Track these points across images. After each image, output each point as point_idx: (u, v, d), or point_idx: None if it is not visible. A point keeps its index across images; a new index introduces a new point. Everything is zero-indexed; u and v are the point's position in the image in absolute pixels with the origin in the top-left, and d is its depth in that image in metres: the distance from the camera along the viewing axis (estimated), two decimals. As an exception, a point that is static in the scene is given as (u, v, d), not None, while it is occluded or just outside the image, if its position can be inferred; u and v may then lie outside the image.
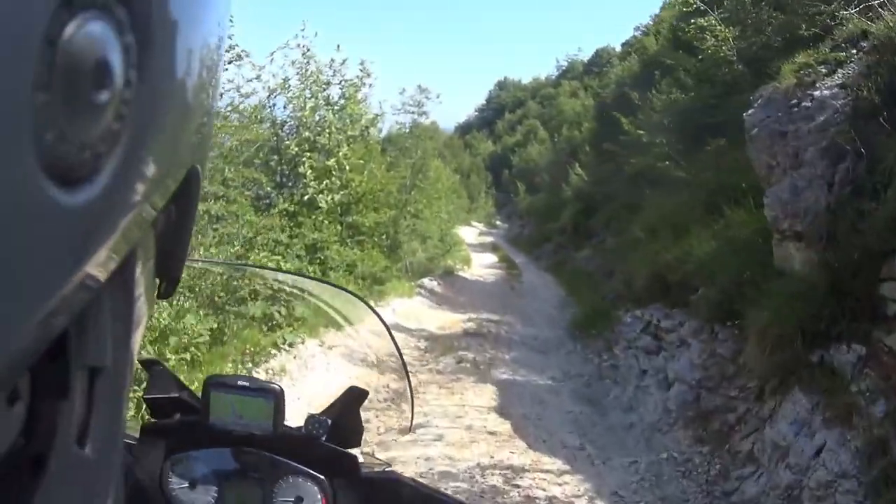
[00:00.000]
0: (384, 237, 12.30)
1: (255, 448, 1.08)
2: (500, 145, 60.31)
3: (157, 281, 0.36)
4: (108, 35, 0.22)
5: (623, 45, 49.83)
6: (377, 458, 1.27)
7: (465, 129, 67.92)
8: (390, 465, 1.19)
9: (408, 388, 1.42)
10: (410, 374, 1.42)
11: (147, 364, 1.17)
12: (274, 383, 1.10)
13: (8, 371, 0.21)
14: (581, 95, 51.26)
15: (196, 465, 1.08)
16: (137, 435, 1.09)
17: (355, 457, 1.11)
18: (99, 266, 0.24)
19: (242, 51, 9.01)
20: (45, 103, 0.20)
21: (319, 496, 1.06)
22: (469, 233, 34.70)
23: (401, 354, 1.34)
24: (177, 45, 0.26)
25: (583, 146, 28.61)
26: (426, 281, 13.11)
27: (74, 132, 0.21)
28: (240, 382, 1.06)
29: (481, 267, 19.24)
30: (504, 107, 70.58)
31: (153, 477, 1.07)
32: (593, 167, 21.59)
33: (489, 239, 32.97)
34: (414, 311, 10.18)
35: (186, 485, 1.07)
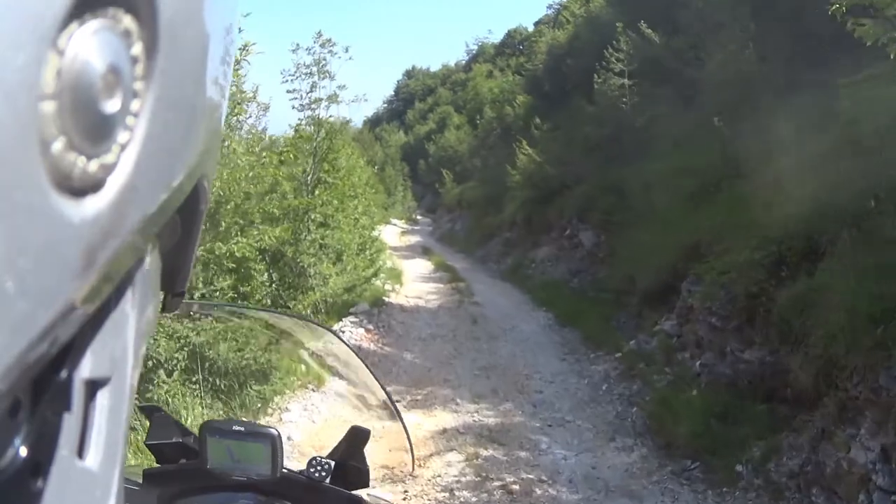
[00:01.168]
0: (280, 263, 7.43)
1: (256, 493, 1.08)
2: (413, 135, 58.85)
3: (162, 294, 0.36)
4: (117, 45, 0.22)
5: (536, 23, 47.05)
6: (384, 499, 1.31)
7: (374, 123, 64.94)
8: None
9: (402, 428, 1.35)
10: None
11: (147, 410, 1.20)
12: (270, 427, 1.09)
13: (11, 381, 0.22)
14: (497, 76, 48.06)
15: None
16: (140, 480, 1.10)
17: (361, 498, 1.10)
18: (103, 278, 0.24)
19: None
20: (52, 113, 0.20)
21: None
22: (391, 233, 29.94)
23: (389, 396, 1.34)
24: (185, 54, 0.26)
25: (519, 124, 24.73)
26: (348, 327, 8.27)
27: (82, 142, 0.21)
28: (235, 427, 1.06)
29: (417, 281, 14.63)
30: (414, 96, 69.78)
31: None
32: (545, 144, 17.32)
33: (415, 239, 28.29)
34: (327, 435, 5.13)
35: None
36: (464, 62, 66.81)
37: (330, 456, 1.13)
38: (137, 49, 0.23)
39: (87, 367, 0.27)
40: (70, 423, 0.26)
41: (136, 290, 0.30)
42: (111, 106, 0.22)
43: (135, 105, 0.23)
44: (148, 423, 1.17)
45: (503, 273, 15.77)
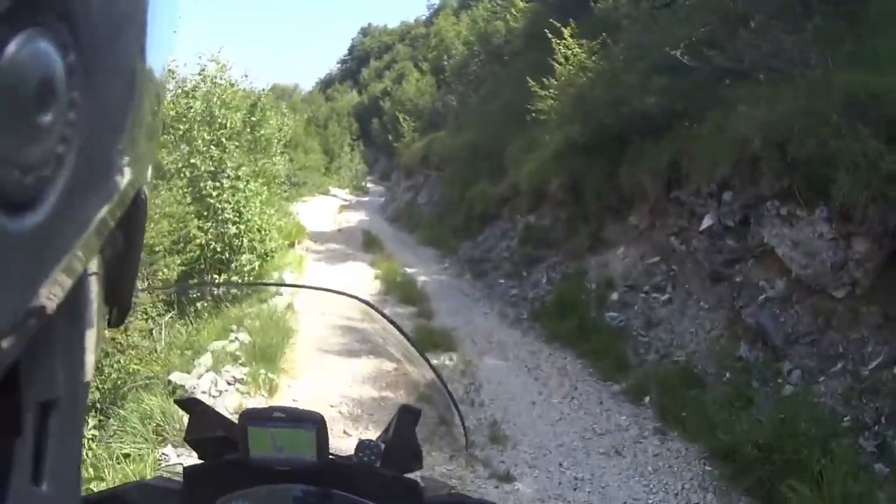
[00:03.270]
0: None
1: (304, 483, 1.04)
2: (367, 94, 52.47)
3: (107, 309, 0.35)
4: (51, 55, 0.21)
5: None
6: (440, 480, 1.22)
7: (327, 84, 64.74)
8: (455, 488, 1.14)
9: (452, 407, 1.23)
10: None
11: (187, 403, 1.13)
12: (314, 412, 1.03)
13: None
14: (465, 22, 39.36)
15: None
16: (181, 479, 1.06)
17: (416, 481, 1.04)
18: (47, 295, 0.23)
19: None
20: None
21: None
22: (325, 208, 20.62)
23: (439, 375, 1.23)
24: (121, 64, 0.26)
25: (516, 43, 15.76)
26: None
27: (17, 155, 0.21)
28: (276, 414, 1.01)
29: (328, 331, 5.73)
30: (369, 54, 65.35)
31: None
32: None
33: (358, 217, 19.08)
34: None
35: None
36: (424, 17, 60.60)
37: (380, 438, 1.08)
38: (73, 59, 0.22)
39: (35, 389, 0.26)
40: (23, 448, 0.25)
41: (82, 306, 0.29)
42: (46, 117, 0.21)
43: (71, 116, 0.22)
44: (187, 418, 1.11)
45: (540, 319, 6.78)
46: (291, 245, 10.90)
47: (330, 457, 1.02)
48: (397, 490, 1.02)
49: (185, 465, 1.09)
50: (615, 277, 7.22)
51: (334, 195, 26.66)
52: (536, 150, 9.78)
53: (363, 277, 9.05)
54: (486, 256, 9.55)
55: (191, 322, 6.79)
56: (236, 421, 1.06)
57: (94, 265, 0.30)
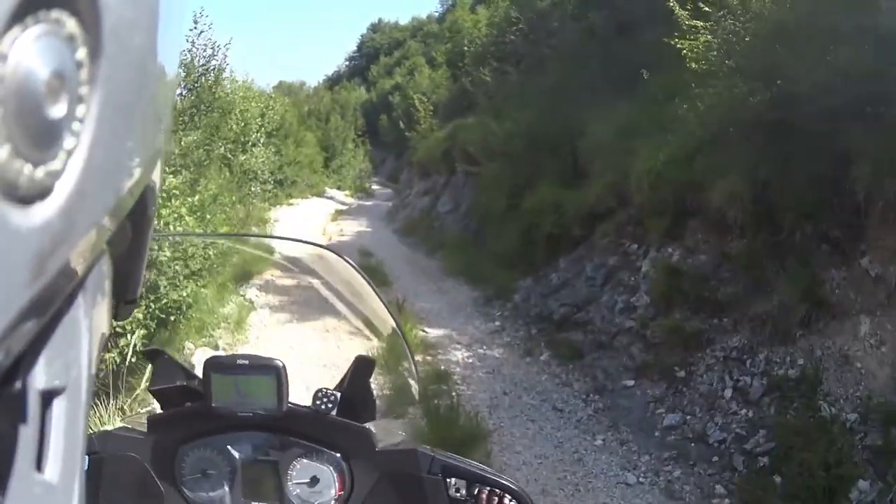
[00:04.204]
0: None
1: (264, 430, 1.08)
2: (376, 91, 48.71)
3: (114, 302, 0.36)
4: (61, 50, 0.22)
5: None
6: (393, 430, 1.28)
7: (334, 81, 60.92)
8: (404, 435, 1.20)
9: (409, 358, 1.33)
10: None
11: (151, 354, 1.17)
12: (275, 359, 1.05)
13: None
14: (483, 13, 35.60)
15: (207, 454, 1.08)
16: (145, 429, 1.10)
17: (369, 430, 1.07)
18: (54, 287, 0.24)
19: None
20: None
21: (335, 474, 1.05)
22: (315, 213, 16.38)
23: (398, 322, 1.31)
24: (130, 58, 0.26)
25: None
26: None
27: (27, 149, 0.21)
28: (239, 362, 1.04)
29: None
30: (379, 51, 61.22)
31: (165, 469, 1.08)
32: None
33: (358, 227, 14.82)
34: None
35: (199, 474, 1.08)
36: (437, 13, 57.46)
37: (336, 387, 1.09)
38: (82, 53, 0.22)
39: (41, 377, 0.26)
40: (26, 436, 0.26)
41: (89, 298, 0.30)
42: (56, 111, 0.22)
43: (80, 110, 0.23)
44: (151, 367, 1.11)
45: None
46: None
47: (289, 404, 1.04)
48: (351, 438, 1.06)
49: (148, 415, 1.13)
50: (874, 390, 3.11)
51: (331, 197, 22.43)
52: (651, 133, 5.61)
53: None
54: (575, 316, 5.31)
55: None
56: (199, 371, 1.08)
57: (101, 258, 0.30)
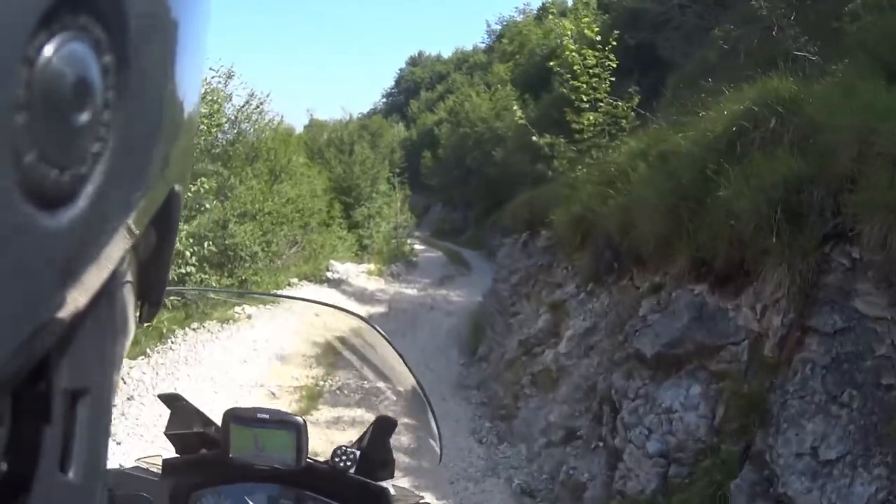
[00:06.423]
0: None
1: (279, 483, 1.07)
2: (417, 129, 44.39)
3: (139, 303, 0.36)
4: (87, 55, 0.22)
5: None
6: (409, 490, 1.23)
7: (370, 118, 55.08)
8: (423, 497, 1.15)
9: (432, 420, 1.30)
10: None
11: (168, 399, 1.16)
12: (295, 416, 1.07)
13: None
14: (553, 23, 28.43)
15: (220, 502, 1.07)
16: (159, 471, 1.10)
17: (386, 489, 1.07)
18: (80, 289, 0.24)
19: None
20: (24, 124, 0.20)
21: None
22: (273, 359, 8.16)
23: (419, 383, 1.28)
24: (156, 65, 0.26)
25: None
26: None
27: (54, 154, 0.21)
28: (259, 415, 1.05)
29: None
30: (419, 85, 58.15)
31: None
32: None
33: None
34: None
35: None
36: (484, 45, 53.89)
37: (355, 445, 1.10)
38: (108, 59, 0.23)
39: (66, 378, 0.27)
40: (51, 436, 0.26)
41: (114, 301, 0.30)
42: (83, 117, 0.22)
43: (106, 115, 0.23)
44: (168, 412, 1.15)
45: None
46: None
47: (307, 460, 1.05)
48: (368, 497, 1.06)
49: (164, 457, 1.11)
50: None
51: (339, 280, 12.87)
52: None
53: None
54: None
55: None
56: (216, 419, 1.08)
57: (126, 261, 0.30)
